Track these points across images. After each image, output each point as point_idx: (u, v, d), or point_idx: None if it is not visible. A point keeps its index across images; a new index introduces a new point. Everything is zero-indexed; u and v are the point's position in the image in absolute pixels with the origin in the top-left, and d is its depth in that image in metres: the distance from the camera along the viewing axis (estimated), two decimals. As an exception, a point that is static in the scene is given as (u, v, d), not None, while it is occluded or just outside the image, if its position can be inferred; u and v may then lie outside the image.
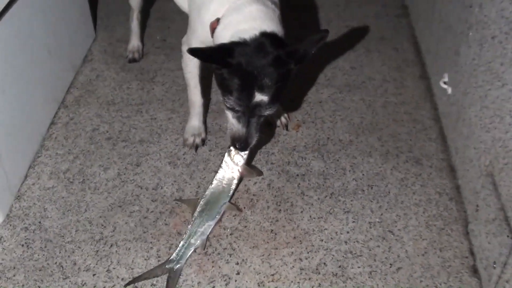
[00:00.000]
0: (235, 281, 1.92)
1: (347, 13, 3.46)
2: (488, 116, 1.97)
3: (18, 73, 2.27)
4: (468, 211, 2.12)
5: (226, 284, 1.91)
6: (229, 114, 2.00)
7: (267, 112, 1.96)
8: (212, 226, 2.07)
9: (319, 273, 1.94)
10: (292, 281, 1.92)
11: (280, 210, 2.17)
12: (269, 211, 2.17)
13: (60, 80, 2.75)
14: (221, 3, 2.00)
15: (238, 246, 2.03)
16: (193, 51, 1.81)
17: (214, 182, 2.14)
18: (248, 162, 2.24)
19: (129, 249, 2.03)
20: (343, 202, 2.20)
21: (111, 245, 2.04)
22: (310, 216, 2.14)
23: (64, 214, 2.17)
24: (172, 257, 1.97)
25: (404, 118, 2.61)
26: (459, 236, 2.07)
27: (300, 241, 2.05)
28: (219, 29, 1.98)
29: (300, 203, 2.20)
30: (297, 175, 2.32)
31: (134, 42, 3.06)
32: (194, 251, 2.01)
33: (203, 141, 2.47)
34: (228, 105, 1.94)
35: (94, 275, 1.93)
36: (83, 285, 1.91)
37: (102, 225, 2.12)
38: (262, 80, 1.85)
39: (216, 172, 2.16)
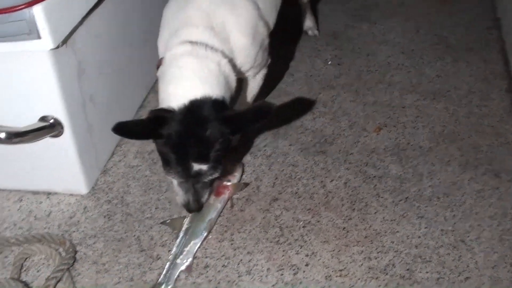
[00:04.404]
0: (303, 271, 1.96)
1: (437, 22, 3.44)
2: None
3: (116, 57, 2.41)
4: (545, 229, 2.09)
5: (294, 274, 1.95)
6: (174, 181, 1.95)
7: (210, 178, 1.89)
8: (198, 245, 2.02)
9: (387, 274, 1.96)
10: (359, 278, 1.94)
11: (354, 209, 2.20)
12: (343, 209, 2.20)
13: (152, 67, 2.85)
14: (168, 38, 2.01)
15: (310, 239, 2.07)
16: (118, 129, 1.66)
17: None
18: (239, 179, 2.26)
19: (204, 230, 2.12)
20: (417, 207, 2.20)
21: (188, 225, 2.13)
22: (383, 218, 2.16)
23: (145, 191, 2.28)
24: (159, 279, 1.92)
25: (486, 131, 2.58)
26: (532, 253, 2.04)
27: (371, 240, 2.07)
28: (160, 79, 1.92)
29: (374, 204, 2.22)
30: (374, 176, 2.34)
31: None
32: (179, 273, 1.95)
33: None
34: (169, 177, 1.90)
35: (169, 250, 2.02)
36: (158, 259, 2.01)
37: (181, 206, 2.21)
38: (197, 151, 1.77)
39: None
